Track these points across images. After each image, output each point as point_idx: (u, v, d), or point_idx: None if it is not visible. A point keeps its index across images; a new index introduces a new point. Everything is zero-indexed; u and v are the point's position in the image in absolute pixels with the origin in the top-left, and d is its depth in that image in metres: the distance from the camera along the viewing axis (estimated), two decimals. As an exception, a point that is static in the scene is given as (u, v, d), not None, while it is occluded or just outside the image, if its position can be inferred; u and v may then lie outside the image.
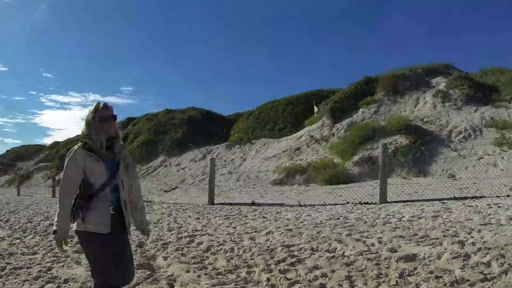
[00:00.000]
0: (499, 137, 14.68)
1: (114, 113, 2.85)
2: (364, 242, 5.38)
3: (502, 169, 12.77)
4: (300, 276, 4.27)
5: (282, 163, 17.65)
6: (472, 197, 8.76)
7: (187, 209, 10.85)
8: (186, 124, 28.19)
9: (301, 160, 17.40)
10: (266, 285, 4.07)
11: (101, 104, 2.80)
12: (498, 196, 8.61)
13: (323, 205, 9.81)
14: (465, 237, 5.14)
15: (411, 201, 9.18)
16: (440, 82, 21.04)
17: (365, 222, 6.84)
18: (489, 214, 6.54)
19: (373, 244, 5.24)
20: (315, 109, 23.16)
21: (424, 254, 4.58)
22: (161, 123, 29.63)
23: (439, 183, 11.64)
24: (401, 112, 19.30)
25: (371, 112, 19.76)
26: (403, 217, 7.04)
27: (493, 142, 14.51)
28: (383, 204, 8.99)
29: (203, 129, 27.57)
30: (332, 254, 4.94)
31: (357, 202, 9.64)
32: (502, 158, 13.49)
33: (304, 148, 18.96)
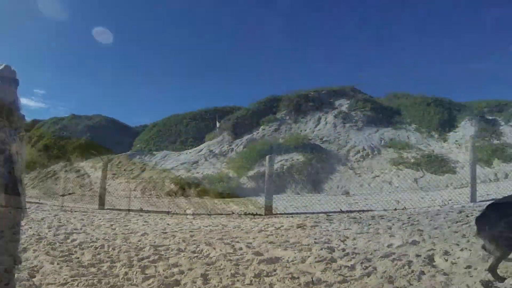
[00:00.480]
0: (397, 156, 15.12)
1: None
2: (233, 246, 5.50)
3: (397, 186, 12.94)
4: (157, 272, 4.37)
5: (179, 176, 17.40)
6: (359, 211, 8.67)
7: (76, 211, 10.96)
8: (90, 130, 27.48)
9: (197, 173, 17.04)
10: (122, 278, 4.11)
11: None
12: (385, 210, 8.67)
13: (208, 214, 9.88)
14: (336, 244, 5.26)
15: (297, 213, 8.99)
16: (343, 104, 21.59)
17: (241, 230, 6.93)
18: (369, 225, 6.61)
19: (240, 248, 5.35)
20: (218, 124, 22.73)
21: (288, 257, 4.67)
22: (66, 127, 28.56)
23: (331, 198, 11.44)
24: (301, 131, 19.38)
25: (271, 130, 19.69)
26: (282, 226, 7.00)
27: (390, 161, 14.84)
28: (268, 216, 8.81)
29: (107, 137, 26.64)
30: (196, 255, 5.07)
31: (243, 213, 9.46)
32: (398, 176, 13.74)
33: (202, 162, 18.29)
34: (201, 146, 21.05)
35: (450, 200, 9.40)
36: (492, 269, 3.94)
